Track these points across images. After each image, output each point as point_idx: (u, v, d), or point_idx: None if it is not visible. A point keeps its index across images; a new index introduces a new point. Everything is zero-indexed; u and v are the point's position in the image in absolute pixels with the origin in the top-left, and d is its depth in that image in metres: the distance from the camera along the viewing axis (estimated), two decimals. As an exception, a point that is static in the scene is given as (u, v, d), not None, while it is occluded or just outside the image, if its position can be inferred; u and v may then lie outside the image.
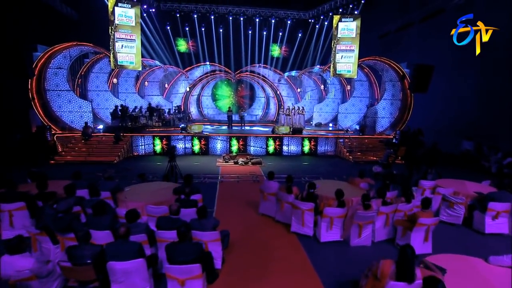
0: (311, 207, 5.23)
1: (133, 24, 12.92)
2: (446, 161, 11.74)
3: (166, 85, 21.07)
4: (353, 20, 14.56)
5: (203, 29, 22.06)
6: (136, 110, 15.96)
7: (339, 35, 14.68)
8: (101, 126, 15.03)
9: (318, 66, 19.85)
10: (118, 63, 12.85)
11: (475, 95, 13.25)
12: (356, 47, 14.58)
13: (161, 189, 6.10)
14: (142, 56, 17.76)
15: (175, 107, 19.39)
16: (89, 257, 3.19)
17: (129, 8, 12.72)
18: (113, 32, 12.45)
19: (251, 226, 5.91)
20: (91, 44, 13.22)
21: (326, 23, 21.13)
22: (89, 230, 3.44)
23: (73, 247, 3.32)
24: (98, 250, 3.25)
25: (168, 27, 21.68)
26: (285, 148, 14.16)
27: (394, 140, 13.78)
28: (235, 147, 13.80)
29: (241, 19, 22.21)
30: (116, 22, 12.49)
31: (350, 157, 13.12)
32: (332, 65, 15.06)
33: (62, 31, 14.44)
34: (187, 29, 21.98)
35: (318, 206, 5.50)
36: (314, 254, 4.85)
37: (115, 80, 16.53)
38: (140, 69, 14.59)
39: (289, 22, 22.91)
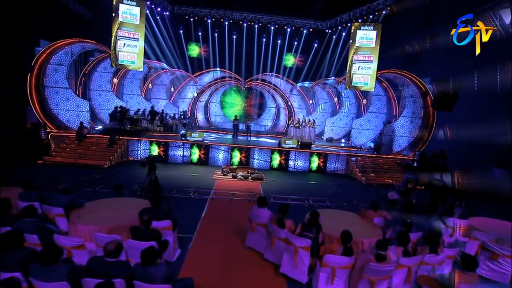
0: (307, 244, 4.03)
1: (138, 22, 12.29)
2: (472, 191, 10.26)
3: (172, 89, 20.41)
4: (373, 28, 13.42)
5: (216, 34, 21.46)
6: (139, 113, 15.21)
7: (357, 44, 13.53)
8: (100, 127, 14.37)
9: (333, 77, 18.71)
10: (119, 62, 12.18)
11: (507, 117, 11.71)
12: (375, 58, 13.38)
13: (129, 207, 5.02)
14: (150, 58, 17.28)
15: (180, 112, 18.62)
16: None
17: (134, 5, 12.12)
18: (115, 29, 11.83)
19: (232, 263, 4.73)
20: (93, 42, 12.63)
21: (344, 34, 20.08)
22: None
23: None
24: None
25: (181, 31, 21.21)
26: (291, 163, 12.97)
27: (414, 163, 12.32)
28: (236, 158, 12.71)
29: (256, 26, 21.48)
30: (120, 19, 11.89)
31: (363, 178, 11.78)
32: (347, 76, 13.88)
33: (73, 29, 13.95)
34: (199, 33, 21.44)
35: (319, 246, 4.29)
36: (307, 315, 3.63)
37: (115, 80, 15.92)
38: (142, 70, 13.88)
39: (305, 31, 22.00)
